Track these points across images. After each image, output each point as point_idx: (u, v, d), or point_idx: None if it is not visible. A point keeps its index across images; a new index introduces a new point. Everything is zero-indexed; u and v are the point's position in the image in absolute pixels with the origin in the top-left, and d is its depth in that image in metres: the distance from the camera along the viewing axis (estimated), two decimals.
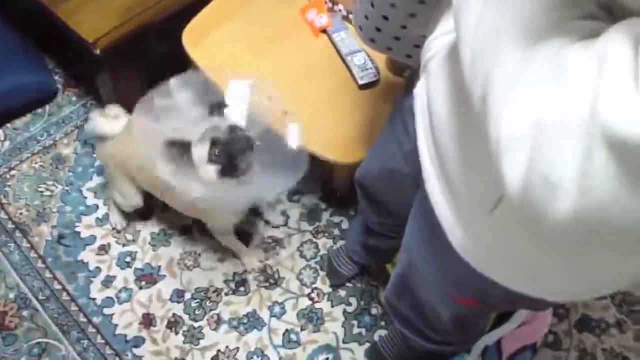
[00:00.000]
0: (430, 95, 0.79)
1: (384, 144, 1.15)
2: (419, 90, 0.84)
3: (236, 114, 1.40)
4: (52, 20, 1.65)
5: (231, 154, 1.29)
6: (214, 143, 1.30)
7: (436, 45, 0.81)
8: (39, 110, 1.99)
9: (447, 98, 0.74)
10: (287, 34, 1.71)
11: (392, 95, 1.63)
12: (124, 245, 1.76)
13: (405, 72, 1.62)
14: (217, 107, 1.39)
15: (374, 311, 1.71)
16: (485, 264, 0.74)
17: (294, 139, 1.43)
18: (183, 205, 1.59)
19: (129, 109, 1.69)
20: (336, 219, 1.85)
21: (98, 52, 1.58)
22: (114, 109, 1.64)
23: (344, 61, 1.65)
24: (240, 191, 1.35)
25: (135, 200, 1.67)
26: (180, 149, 1.30)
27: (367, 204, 1.37)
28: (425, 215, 0.83)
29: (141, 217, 1.80)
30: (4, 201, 1.80)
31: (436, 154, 0.77)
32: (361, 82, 1.61)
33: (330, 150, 1.54)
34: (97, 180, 1.85)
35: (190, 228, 1.79)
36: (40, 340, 1.60)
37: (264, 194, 1.43)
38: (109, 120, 1.63)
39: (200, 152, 1.30)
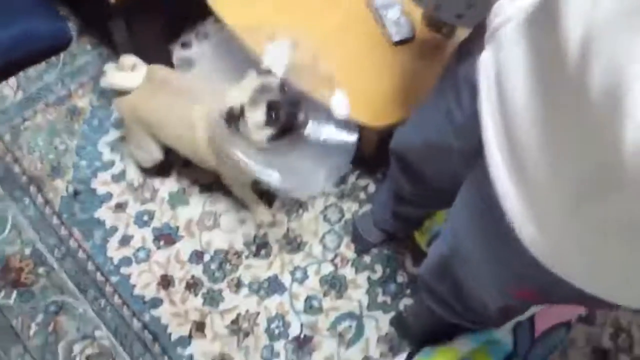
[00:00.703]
0: (501, 68, 0.69)
1: (429, 114, 1.05)
2: (485, 60, 0.74)
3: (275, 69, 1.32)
4: None
5: (290, 114, 1.26)
6: (270, 106, 1.25)
7: (510, 9, 0.70)
8: (53, 59, 1.90)
9: (529, 73, 0.63)
10: None
11: (428, 53, 1.52)
12: (141, 203, 1.69)
13: (444, 28, 1.51)
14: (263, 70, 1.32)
15: (399, 279, 1.65)
16: (561, 265, 0.66)
17: (340, 108, 1.35)
18: (207, 161, 1.51)
19: (146, 58, 1.61)
20: (362, 182, 1.77)
21: (113, 0, 1.47)
22: (130, 59, 1.55)
23: (377, 15, 1.53)
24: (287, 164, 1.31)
25: (155, 155, 1.59)
26: (231, 114, 1.25)
27: (401, 174, 1.28)
28: (484, 201, 0.74)
29: (159, 174, 1.73)
30: (18, 153, 1.74)
31: (506, 138, 0.67)
32: (395, 39, 1.49)
33: (361, 112, 1.44)
34: (113, 134, 1.77)
35: (210, 186, 1.72)
36: (57, 298, 1.56)
37: (310, 183, 1.39)
38: (126, 72, 1.54)
39: (255, 116, 1.25)
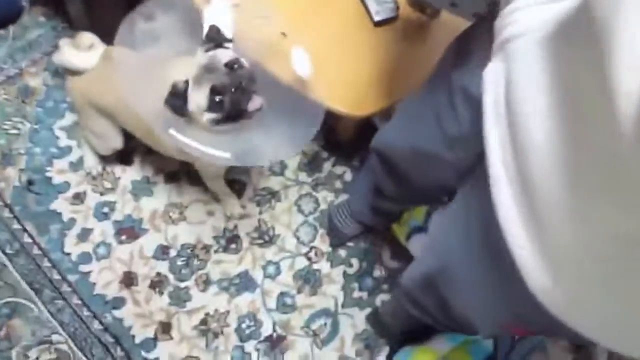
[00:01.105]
0: (512, 88, 0.58)
1: (417, 118, 0.95)
2: (492, 75, 0.63)
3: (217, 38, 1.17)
4: None
5: (235, 102, 1.09)
6: (214, 90, 1.09)
7: (526, 19, 0.59)
8: (1, 32, 1.73)
9: (551, 101, 0.53)
10: None
11: (412, 34, 1.41)
12: (101, 194, 1.57)
13: (428, 9, 1.39)
14: (211, 37, 1.16)
15: (376, 273, 1.58)
16: (574, 317, 0.57)
17: (300, 66, 1.21)
18: (171, 148, 1.38)
19: (104, 34, 1.46)
20: (338, 170, 1.67)
21: None
22: (88, 37, 1.40)
23: None
24: (242, 141, 1.15)
25: (114, 142, 1.47)
26: (173, 91, 1.09)
27: (384, 173, 1.19)
28: (485, 229, 0.64)
29: (121, 161, 1.60)
30: None
31: (518, 172, 0.56)
32: (377, 18, 1.38)
33: (339, 99, 1.33)
34: (70, 118, 1.63)
35: (176, 175, 1.61)
36: (10, 299, 1.44)
37: (271, 150, 1.20)
38: (81, 50, 1.39)
39: (197, 98, 1.10)
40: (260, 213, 1.59)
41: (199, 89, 1.10)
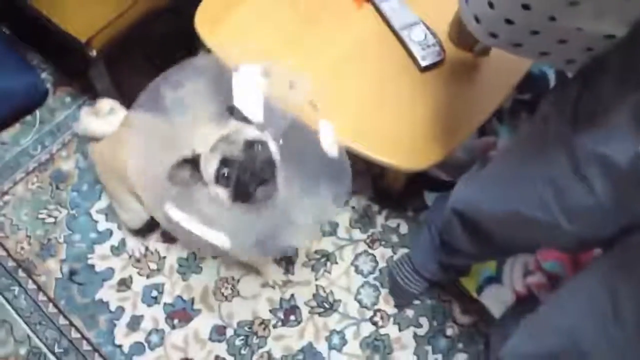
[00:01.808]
0: None
1: (521, 185, 0.86)
2: None
3: (247, 108, 1.07)
4: (33, 15, 1.31)
5: (241, 179, 0.99)
6: (224, 162, 0.99)
7: None
8: (28, 118, 1.68)
9: None
10: (323, 7, 1.37)
11: (460, 77, 1.32)
12: (147, 277, 1.49)
13: (477, 46, 1.30)
14: (240, 117, 1.07)
15: (449, 332, 1.46)
16: None
17: (327, 141, 1.10)
18: None
19: (131, 103, 1.39)
20: (392, 223, 1.57)
21: (94, 53, 1.25)
22: (107, 102, 1.33)
23: (398, 37, 1.33)
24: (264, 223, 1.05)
25: (140, 214, 1.38)
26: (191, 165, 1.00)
27: (466, 234, 1.09)
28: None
29: (164, 239, 1.52)
30: (0, 234, 1.52)
31: None
32: (423, 63, 1.29)
33: (391, 152, 1.24)
34: (107, 199, 1.56)
35: None
36: None
37: (296, 232, 1.10)
38: (101, 117, 1.32)
39: (208, 167, 1.00)
40: (317, 279, 1.49)
41: (212, 157, 1.00)
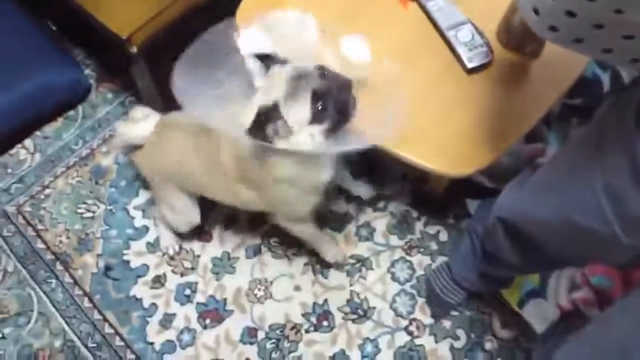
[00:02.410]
0: None
1: (569, 187, 0.81)
2: None
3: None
4: (76, 11, 1.32)
5: (341, 102, 0.97)
6: (315, 96, 0.96)
7: None
8: (71, 113, 1.71)
9: None
10: (367, 5, 1.34)
11: (509, 80, 1.26)
12: (181, 275, 1.48)
13: (528, 47, 1.24)
14: (268, 58, 1.05)
15: (487, 345, 1.40)
16: None
17: (359, 51, 1.09)
18: (249, 197, 1.23)
19: (172, 101, 1.40)
20: (431, 230, 1.52)
21: (134, 50, 1.25)
22: (140, 111, 1.36)
23: (444, 38, 1.27)
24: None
25: (191, 215, 1.38)
26: (258, 120, 0.97)
27: (511, 244, 1.04)
28: None
29: (199, 237, 1.51)
30: (40, 227, 1.54)
31: None
32: (470, 65, 1.23)
33: (436, 157, 1.19)
34: (144, 196, 1.56)
35: (257, 249, 1.50)
36: None
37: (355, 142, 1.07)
38: (137, 124, 1.33)
39: (297, 113, 0.97)
40: (351, 284, 1.45)
41: (295, 102, 0.97)
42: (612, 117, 0.73)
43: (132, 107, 1.37)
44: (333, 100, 0.96)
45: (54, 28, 1.76)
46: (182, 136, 1.25)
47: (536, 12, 0.67)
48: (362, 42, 1.08)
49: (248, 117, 0.97)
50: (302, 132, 0.98)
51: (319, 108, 0.96)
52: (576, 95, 1.55)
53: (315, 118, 0.96)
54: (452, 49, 1.26)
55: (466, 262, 1.31)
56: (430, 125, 1.22)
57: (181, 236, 1.50)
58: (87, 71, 1.76)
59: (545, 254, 0.95)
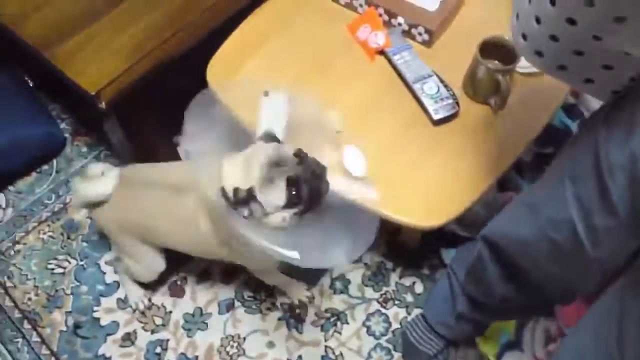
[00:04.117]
0: None
1: (545, 202, 0.86)
2: None
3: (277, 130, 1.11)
4: (48, 67, 1.34)
5: (313, 188, 1.01)
6: (290, 182, 0.99)
7: None
8: (45, 167, 1.70)
9: None
10: (334, 59, 1.36)
11: (475, 131, 1.27)
12: (152, 332, 1.44)
13: (493, 99, 1.26)
14: (269, 137, 1.08)
15: None
16: None
17: (355, 167, 1.13)
18: (217, 249, 1.24)
19: (148, 157, 1.41)
20: (407, 281, 1.50)
21: (103, 105, 1.26)
22: (97, 167, 1.35)
23: (411, 90, 1.29)
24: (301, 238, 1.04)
25: (156, 264, 1.36)
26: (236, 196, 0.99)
27: (496, 269, 1.06)
28: None
29: (171, 293, 1.48)
30: (8, 284, 1.51)
31: None
32: (436, 117, 1.25)
33: (406, 209, 1.19)
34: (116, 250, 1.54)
35: (230, 303, 1.47)
36: None
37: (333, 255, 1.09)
38: (94, 181, 1.32)
39: (272, 197, 0.99)
40: (326, 339, 1.42)
41: (271, 187, 1.00)
42: (583, 132, 0.78)
43: (89, 166, 1.36)
44: (307, 186, 1.00)
45: (31, 83, 1.78)
46: (148, 193, 1.25)
47: (524, 37, 0.71)
48: (360, 155, 1.13)
49: (228, 184, 1.00)
50: (275, 214, 1.01)
51: (293, 193, 1.00)
52: (547, 144, 1.56)
53: (289, 203, 1.00)
54: (419, 101, 1.28)
55: (443, 306, 1.29)
56: (399, 177, 1.22)
57: (153, 291, 1.47)
58: (62, 125, 1.76)
59: (530, 280, 0.97)
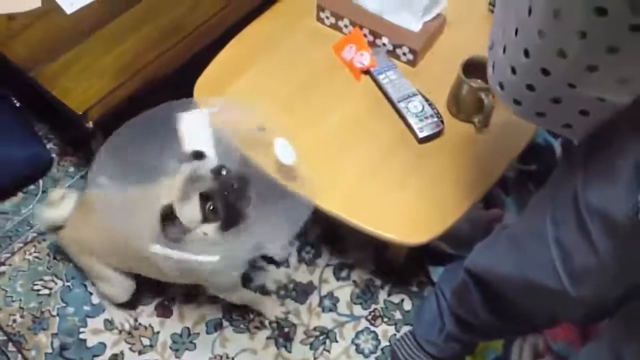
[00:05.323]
0: None
1: (527, 240, 0.86)
2: None
3: (200, 147, 1.12)
4: (35, 87, 1.34)
5: (230, 203, 1.03)
6: (205, 197, 1.03)
7: None
8: (31, 187, 1.69)
9: None
10: (320, 79, 1.38)
11: (460, 149, 1.29)
12: (139, 353, 1.43)
13: (476, 117, 1.28)
14: (194, 155, 1.10)
15: None
16: None
17: (284, 156, 1.13)
18: (175, 274, 1.28)
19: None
20: (395, 299, 1.50)
21: (90, 124, 1.26)
22: (57, 192, 1.36)
23: (396, 109, 1.31)
24: (242, 241, 1.08)
25: (125, 284, 1.37)
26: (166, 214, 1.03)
27: (481, 299, 1.06)
28: None
29: (158, 313, 1.47)
30: None
31: None
32: (421, 135, 1.27)
33: (391, 226, 1.20)
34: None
35: (219, 323, 1.46)
36: None
37: (266, 240, 1.12)
38: (56, 206, 1.34)
39: (189, 213, 1.03)
40: (315, 358, 1.42)
41: (188, 202, 1.03)
42: (562, 170, 0.78)
43: (50, 190, 1.38)
44: (222, 201, 1.03)
45: (18, 103, 1.77)
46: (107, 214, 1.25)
47: (501, 86, 0.72)
48: (289, 146, 1.14)
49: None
50: (196, 230, 1.04)
51: (210, 208, 1.03)
52: (531, 161, 1.58)
53: (207, 217, 1.03)
54: (404, 120, 1.30)
55: (432, 325, 1.29)
56: (385, 194, 1.23)
57: (139, 311, 1.46)
58: (49, 145, 1.75)
59: (516, 309, 0.98)
